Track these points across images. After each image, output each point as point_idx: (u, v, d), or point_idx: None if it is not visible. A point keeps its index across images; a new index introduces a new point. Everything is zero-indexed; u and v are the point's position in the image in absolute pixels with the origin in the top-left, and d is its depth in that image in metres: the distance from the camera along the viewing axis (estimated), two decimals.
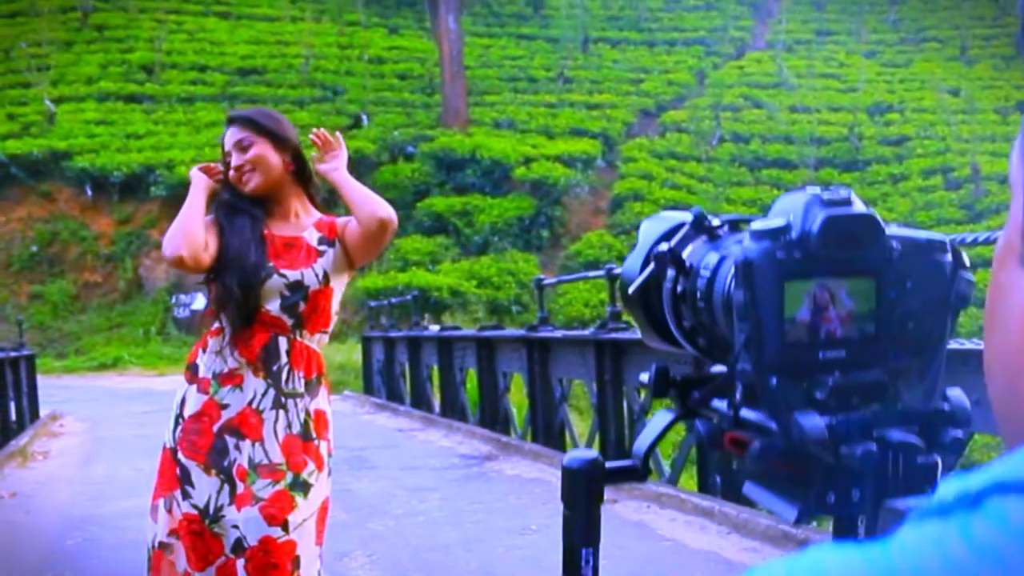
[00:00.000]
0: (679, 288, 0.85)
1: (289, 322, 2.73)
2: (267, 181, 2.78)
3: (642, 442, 0.85)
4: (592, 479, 0.83)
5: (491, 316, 21.81)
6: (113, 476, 8.38)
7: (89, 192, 26.16)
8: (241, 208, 2.81)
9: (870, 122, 31.16)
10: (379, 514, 6.23)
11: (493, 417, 9.71)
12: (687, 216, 0.88)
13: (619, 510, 6.18)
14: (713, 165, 28.56)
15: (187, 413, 2.75)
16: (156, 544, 2.71)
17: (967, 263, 0.78)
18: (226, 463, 2.66)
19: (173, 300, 24.11)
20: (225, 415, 2.69)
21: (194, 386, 2.75)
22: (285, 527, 2.62)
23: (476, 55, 33.02)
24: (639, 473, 0.85)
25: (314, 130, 2.89)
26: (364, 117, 29.16)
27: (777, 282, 0.73)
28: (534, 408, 8.67)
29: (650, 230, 0.92)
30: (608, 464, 0.85)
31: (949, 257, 0.77)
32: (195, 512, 2.66)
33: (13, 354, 11.69)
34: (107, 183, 25.95)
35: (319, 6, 34.61)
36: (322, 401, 2.75)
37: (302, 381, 2.70)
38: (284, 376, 2.69)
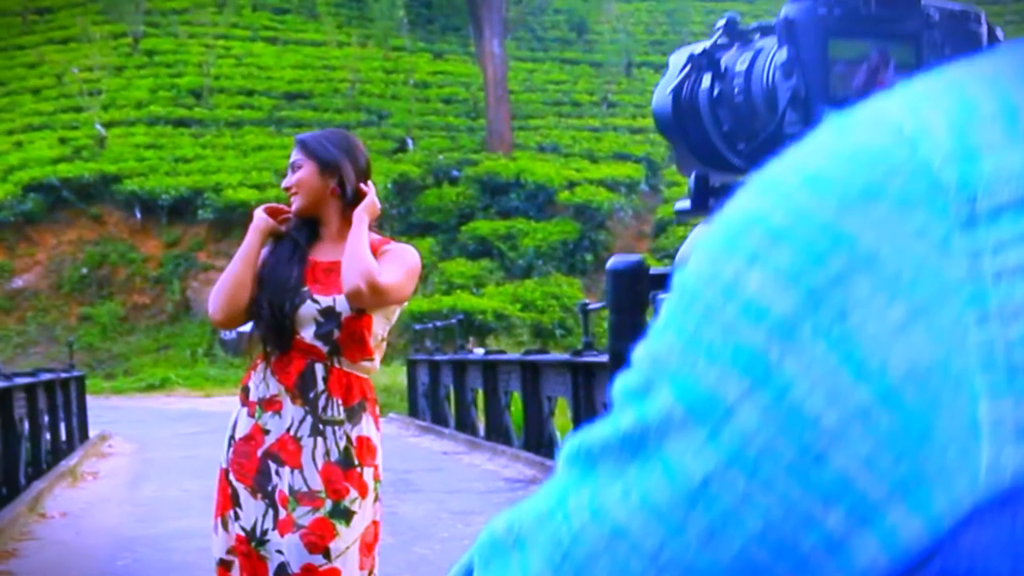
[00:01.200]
0: (715, 91, 0.82)
1: (325, 349, 2.71)
2: (308, 203, 2.79)
3: (684, 251, 0.83)
4: (637, 281, 0.80)
5: (535, 339, 21.83)
6: (162, 497, 8.47)
7: (138, 215, 26.56)
8: (289, 233, 2.83)
9: None
10: (425, 537, 6.25)
11: (538, 441, 9.71)
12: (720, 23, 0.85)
13: None
14: None
15: (238, 435, 2.79)
16: (217, 561, 2.77)
17: (1000, 35, 0.77)
18: (270, 487, 2.69)
19: None
20: (267, 440, 2.71)
21: (245, 408, 2.80)
22: (327, 555, 2.62)
23: (520, 79, 33.19)
24: None
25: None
26: (409, 141, 29.39)
27: (821, 38, 0.71)
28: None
29: (680, 56, 0.89)
30: (652, 270, 0.82)
31: (984, 28, 0.76)
32: (243, 534, 2.71)
33: (63, 375, 11.87)
34: (156, 206, 26.33)
35: (365, 31, 34.98)
36: (366, 427, 2.72)
37: (340, 408, 2.69)
38: (321, 404, 2.69)
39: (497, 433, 10.93)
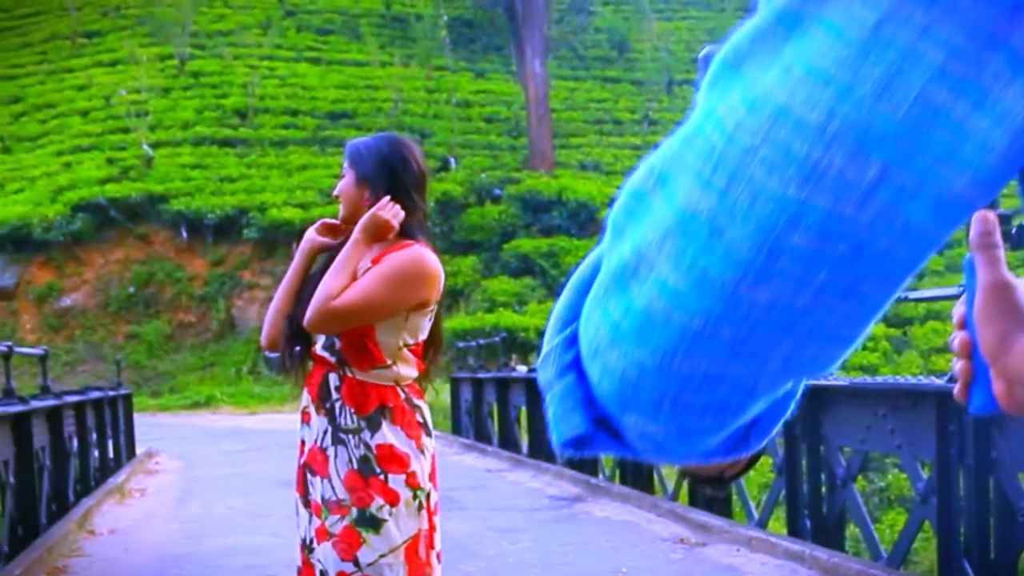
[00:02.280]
0: None
1: (332, 360, 2.71)
2: (348, 213, 2.78)
3: None
4: None
5: None
6: (208, 514, 8.54)
7: (184, 234, 26.86)
8: (338, 245, 2.83)
9: None
10: (471, 556, 6.26)
11: (581, 458, 9.69)
12: None
13: (710, 553, 6.14)
14: None
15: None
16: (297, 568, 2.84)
17: None
18: (310, 497, 2.74)
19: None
20: (305, 451, 2.76)
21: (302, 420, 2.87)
22: (356, 564, 2.63)
23: (562, 98, 33.26)
24: None
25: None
26: (452, 160, 29.53)
27: None
28: None
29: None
30: None
31: None
32: (300, 543, 2.77)
33: (111, 393, 12.00)
34: (201, 225, 26.62)
35: (408, 51, 35.22)
36: (389, 435, 2.67)
37: (355, 417, 2.67)
38: (337, 412, 2.69)
39: (540, 451, 10.93)
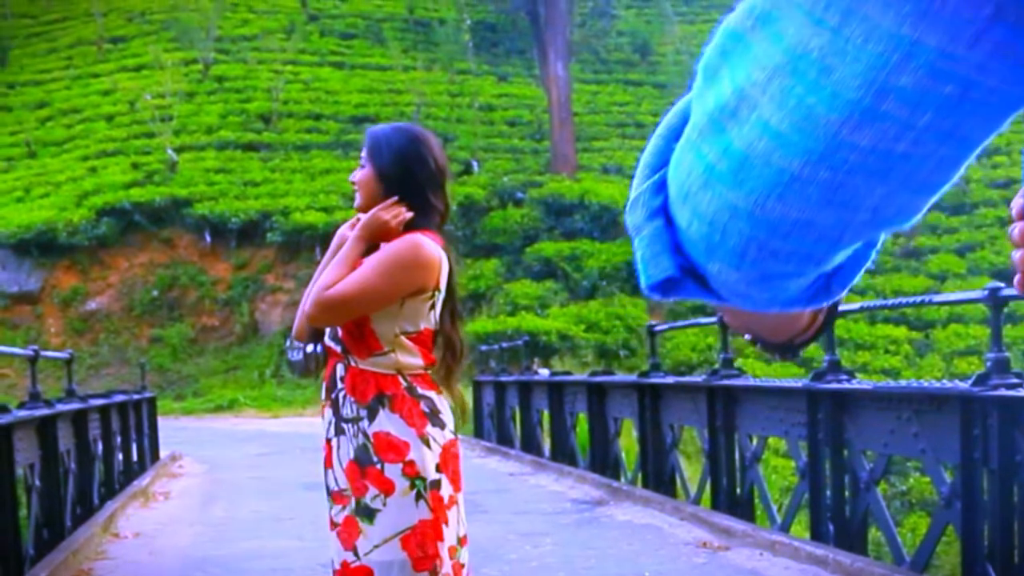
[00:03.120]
0: None
1: (339, 349, 2.74)
2: (364, 203, 2.77)
3: None
4: None
5: (599, 360, 21.78)
6: (232, 517, 8.58)
7: (208, 238, 27.01)
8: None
9: (977, 165, 30.41)
10: (493, 559, 6.26)
11: (603, 462, 9.69)
12: None
13: (732, 557, 6.12)
14: None
15: None
16: None
17: None
18: (325, 489, 2.79)
19: (287, 343, 24.48)
20: (324, 446, 2.79)
21: None
22: (356, 553, 2.64)
23: (584, 101, 33.26)
24: None
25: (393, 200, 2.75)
26: (475, 163, 29.57)
27: None
28: (645, 453, 8.64)
29: None
30: None
31: None
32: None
33: (136, 397, 12.08)
34: (225, 229, 26.76)
35: (430, 55, 35.30)
36: (386, 423, 2.65)
37: (356, 406, 2.68)
38: (340, 402, 2.71)
39: (563, 454, 10.94)
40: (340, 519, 2.67)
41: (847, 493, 5.84)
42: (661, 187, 0.58)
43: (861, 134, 0.47)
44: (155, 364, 24.45)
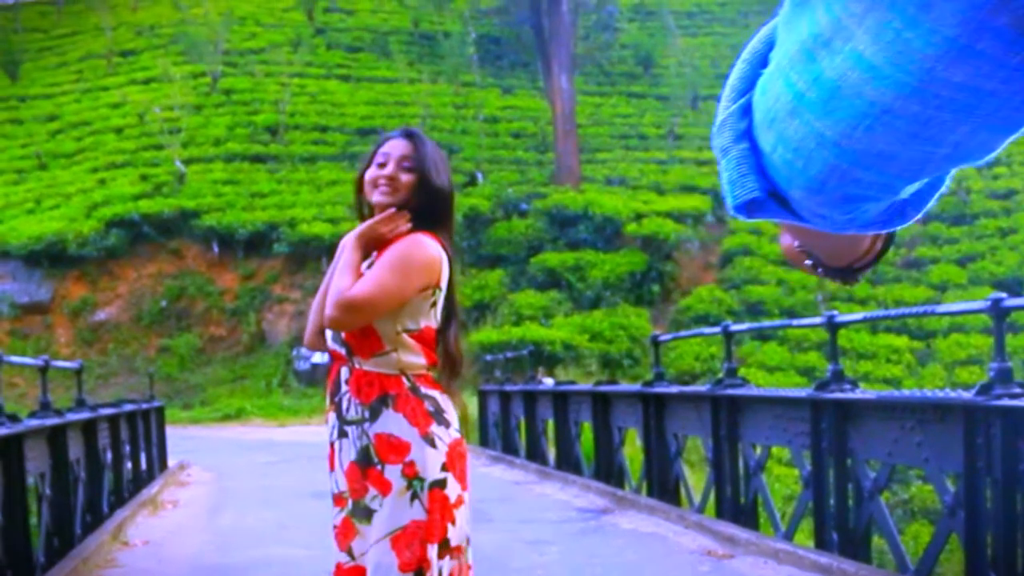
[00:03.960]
0: None
1: (343, 352, 2.73)
2: (394, 202, 2.77)
3: None
4: None
5: (603, 370, 21.82)
6: (239, 526, 8.63)
7: (216, 249, 27.12)
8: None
9: (978, 176, 30.45)
10: (499, 568, 6.31)
11: (608, 470, 9.74)
12: None
13: (737, 566, 6.17)
14: None
15: None
16: None
17: None
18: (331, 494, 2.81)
19: (294, 353, 24.75)
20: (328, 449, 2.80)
21: None
22: (351, 554, 2.65)
23: (588, 113, 33.36)
24: None
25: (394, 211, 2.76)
26: (479, 175, 29.67)
27: None
28: (649, 463, 8.69)
29: None
30: None
31: None
32: None
33: (144, 406, 12.14)
34: (233, 240, 26.87)
35: (436, 68, 35.43)
36: (389, 423, 2.65)
37: (360, 408, 2.67)
38: (344, 405, 2.70)
39: (567, 463, 10.98)
40: (338, 521, 2.69)
41: (851, 502, 5.88)
42: (747, 111, 0.60)
43: (955, 70, 0.48)
44: (163, 374, 24.53)
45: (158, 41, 38.29)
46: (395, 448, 2.64)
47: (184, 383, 25.21)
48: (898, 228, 0.64)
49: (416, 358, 2.72)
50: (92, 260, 26.59)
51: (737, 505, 7.22)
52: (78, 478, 7.73)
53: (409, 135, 2.84)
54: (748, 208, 0.61)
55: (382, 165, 2.79)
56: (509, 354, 17.96)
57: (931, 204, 0.63)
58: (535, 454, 12.39)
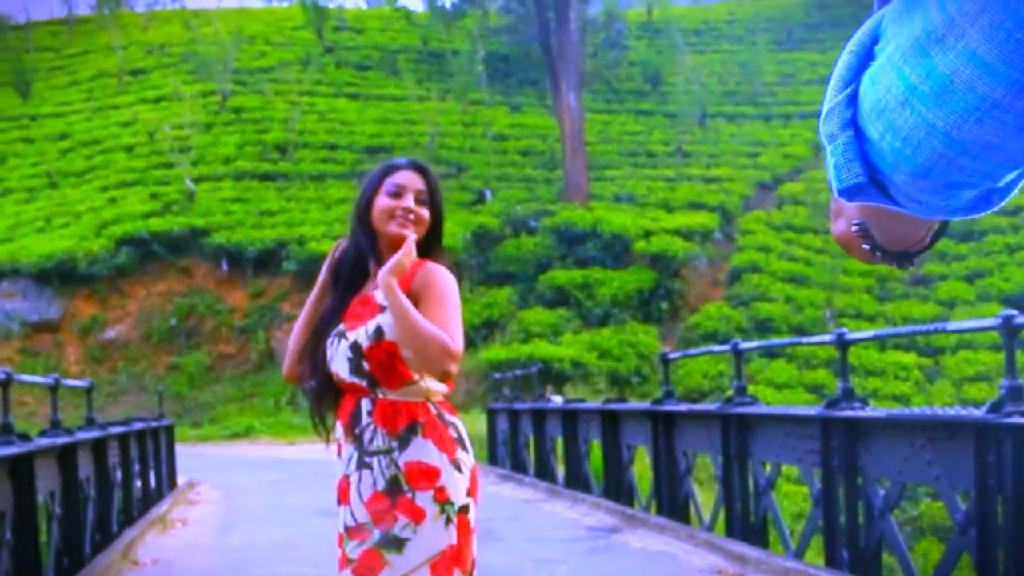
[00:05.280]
0: None
1: (364, 384, 2.67)
2: (418, 238, 2.77)
3: None
4: None
5: (612, 387, 21.79)
6: (249, 544, 8.62)
7: (225, 267, 27.18)
8: (341, 270, 2.82)
9: None
10: None
11: (617, 488, 9.72)
12: None
13: None
14: (830, 237, 28.08)
15: None
16: None
17: None
18: (337, 532, 2.76)
19: None
20: (338, 484, 2.73)
21: None
22: None
23: (596, 131, 33.43)
24: None
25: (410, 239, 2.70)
26: (488, 192, 29.72)
27: None
28: (659, 481, 8.67)
29: None
30: None
31: None
32: None
33: (154, 424, 12.15)
34: (242, 258, 26.93)
35: (444, 86, 35.56)
36: (419, 451, 2.62)
37: (386, 438, 2.63)
38: (368, 436, 2.65)
39: (576, 481, 10.96)
40: (357, 554, 2.61)
41: (861, 520, 5.86)
42: (852, 100, 0.63)
43: None
44: (172, 392, 24.56)
45: (168, 60, 38.51)
46: (426, 474, 2.62)
47: (193, 401, 25.23)
48: (982, 214, 0.67)
49: (439, 385, 2.72)
50: (102, 278, 26.67)
51: (747, 523, 7.21)
52: (88, 497, 7.73)
53: (419, 168, 2.83)
54: (851, 192, 0.65)
55: (395, 195, 2.77)
56: (518, 372, 17.94)
57: (1016, 192, 0.66)
58: (544, 472, 12.37)
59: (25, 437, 6.18)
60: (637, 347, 23.86)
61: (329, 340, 2.74)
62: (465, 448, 2.73)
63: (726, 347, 8.09)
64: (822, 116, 0.66)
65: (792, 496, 12.47)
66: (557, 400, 13.36)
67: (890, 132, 0.59)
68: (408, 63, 36.98)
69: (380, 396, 2.68)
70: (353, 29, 40.71)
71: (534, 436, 12.82)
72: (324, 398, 2.79)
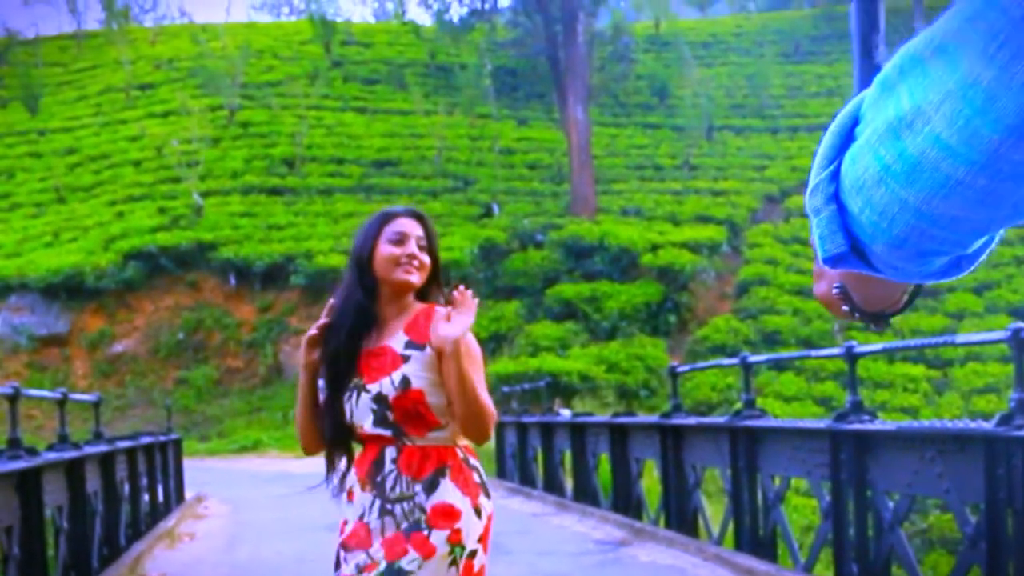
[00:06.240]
0: None
1: (388, 434, 2.68)
2: (415, 288, 2.80)
3: None
4: None
5: (620, 400, 21.75)
6: (256, 558, 8.61)
7: (233, 281, 27.23)
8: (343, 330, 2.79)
9: None
10: None
11: (626, 502, 9.69)
12: None
13: None
14: None
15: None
16: None
17: None
18: (338, 573, 2.74)
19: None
20: (346, 530, 2.73)
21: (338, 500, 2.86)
22: None
23: (603, 144, 33.45)
24: None
25: (459, 289, 2.73)
26: (495, 206, 29.74)
27: None
28: (667, 494, 8.65)
29: None
30: None
31: None
32: None
33: (162, 438, 12.14)
34: (250, 272, 26.98)
35: (452, 100, 35.63)
36: (447, 493, 2.65)
37: (411, 484, 2.66)
38: (390, 484, 2.66)
39: (585, 494, 10.93)
40: None
41: (871, 533, 5.83)
42: (835, 176, 0.69)
43: (1016, 151, 0.58)
44: (180, 406, 24.57)
45: (176, 75, 38.65)
46: (447, 515, 2.65)
47: (201, 415, 25.24)
48: (954, 278, 0.73)
49: (455, 429, 2.74)
50: (110, 292, 26.73)
51: (756, 537, 7.17)
52: (95, 511, 7.73)
53: (417, 216, 2.87)
54: (835, 260, 0.71)
55: (398, 243, 2.79)
56: (526, 385, 17.93)
57: (984, 258, 0.72)
58: (553, 486, 12.34)
59: (33, 451, 6.18)
60: (645, 360, 23.83)
61: (346, 395, 2.74)
62: (487, 494, 2.76)
63: (734, 360, 8.07)
64: (808, 191, 0.71)
65: (801, 509, 12.42)
66: (566, 414, 13.34)
67: (868, 207, 0.65)
68: (416, 77, 37.07)
69: (407, 443, 2.69)
70: (361, 43, 40.84)
71: (542, 449, 12.79)
72: (338, 448, 2.78)
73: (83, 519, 7.09)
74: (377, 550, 2.64)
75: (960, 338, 6.01)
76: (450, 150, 32.77)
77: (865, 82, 0.72)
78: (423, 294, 2.83)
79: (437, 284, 2.87)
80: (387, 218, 2.85)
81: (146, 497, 10.32)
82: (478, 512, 2.69)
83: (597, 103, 34.40)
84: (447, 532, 2.64)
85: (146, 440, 10.82)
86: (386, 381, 2.69)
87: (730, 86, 38.16)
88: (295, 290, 26.60)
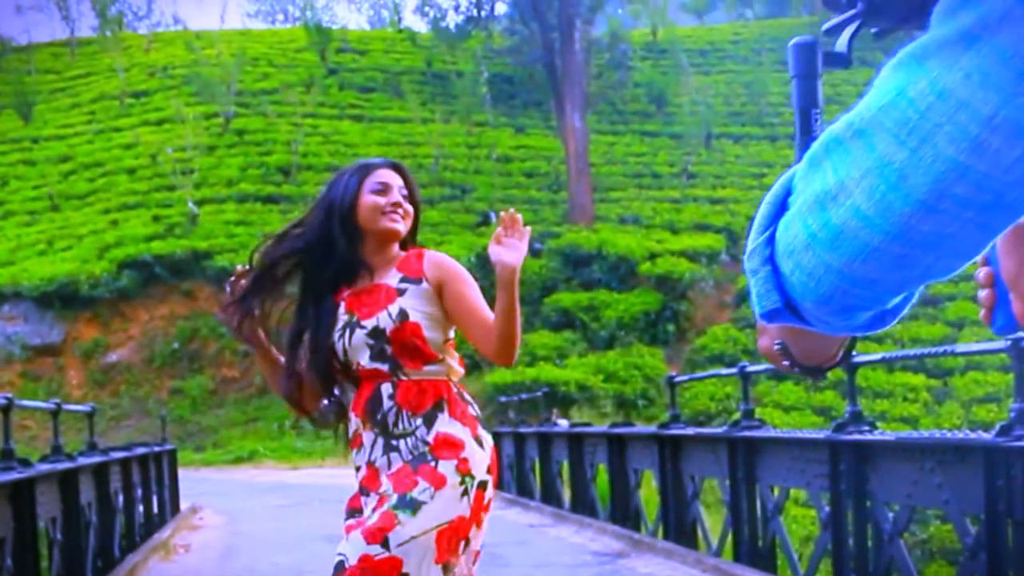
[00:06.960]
0: None
1: (385, 368, 2.71)
2: (400, 235, 2.85)
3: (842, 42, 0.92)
4: (815, 53, 0.92)
5: (618, 410, 21.71)
6: (252, 570, 8.56)
7: (228, 290, 27.15)
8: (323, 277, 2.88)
9: None
10: None
11: (624, 513, 9.64)
12: None
13: None
14: None
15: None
16: None
17: None
18: (353, 513, 2.72)
19: None
20: (359, 475, 2.73)
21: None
22: (385, 544, 2.54)
23: (601, 152, 33.46)
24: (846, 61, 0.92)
25: (508, 211, 2.82)
26: (492, 215, 29.70)
27: None
28: (665, 505, 8.60)
29: None
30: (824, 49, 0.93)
31: None
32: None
33: (157, 449, 12.09)
34: None
35: (448, 107, 35.64)
36: (445, 424, 2.67)
37: (412, 418, 2.67)
38: (391, 420, 2.67)
39: (583, 505, 10.88)
40: (375, 518, 2.59)
41: (870, 544, 5.79)
42: (770, 241, 0.77)
43: (925, 222, 0.66)
44: (175, 416, 24.49)
45: (171, 82, 38.61)
46: (451, 445, 2.67)
47: (196, 425, 25.17)
48: (879, 331, 0.83)
49: (457, 365, 2.79)
50: (104, 301, 26.66)
51: (755, 548, 7.13)
52: (90, 522, 7.67)
53: (396, 166, 2.93)
54: (770, 316, 0.79)
55: (381, 192, 2.84)
56: (523, 395, 17.88)
57: (905, 311, 0.83)
58: (550, 496, 12.29)
59: (26, 462, 6.14)
60: (643, 370, 23.80)
61: (336, 333, 2.77)
62: (484, 426, 2.78)
63: (733, 370, 8.04)
64: (746, 254, 0.80)
65: (800, 520, 12.37)
66: (563, 424, 13.30)
67: (798, 269, 0.74)
68: (412, 85, 37.08)
69: (403, 378, 2.71)
70: (356, 51, 40.84)
71: (540, 460, 12.74)
72: (327, 381, 2.81)
73: (77, 531, 7.04)
74: (387, 485, 2.64)
75: (960, 347, 5.99)
76: (447, 158, 32.76)
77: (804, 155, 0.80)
78: (403, 245, 2.88)
79: (416, 233, 2.93)
80: (367, 169, 2.91)
81: (141, 508, 10.26)
82: (479, 442, 2.71)
83: (594, 111, 34.41)
84: (454, 462, 2.65)
85: (141, 451, 10.78)
86: (383, 314, 2.72)
87: (728, 94, 38.19)
88: (291, 299, 26.54)
